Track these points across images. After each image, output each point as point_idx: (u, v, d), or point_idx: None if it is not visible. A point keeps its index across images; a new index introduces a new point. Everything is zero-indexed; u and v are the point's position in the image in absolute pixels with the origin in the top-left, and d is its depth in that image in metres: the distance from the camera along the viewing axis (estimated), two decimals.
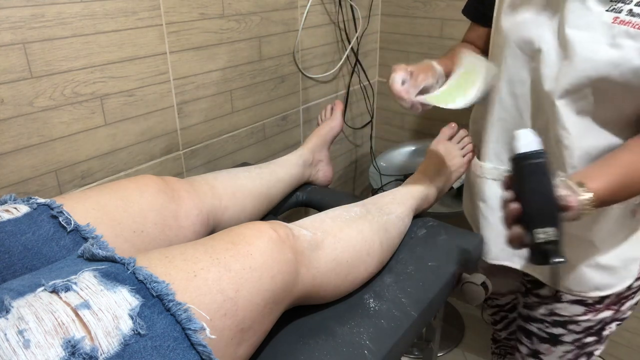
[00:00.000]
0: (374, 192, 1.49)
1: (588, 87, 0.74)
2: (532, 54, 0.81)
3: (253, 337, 0.56)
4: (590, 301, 0.91)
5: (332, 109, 1.22)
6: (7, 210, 0.61)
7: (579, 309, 0.92)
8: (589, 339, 0.95)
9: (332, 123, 1.17)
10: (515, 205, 0.62)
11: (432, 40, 1.58)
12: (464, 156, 1.03)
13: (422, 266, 0.83)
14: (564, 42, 0.75)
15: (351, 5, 1.49)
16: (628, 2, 0.69)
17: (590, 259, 0.87)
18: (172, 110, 1.05)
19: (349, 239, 0.74)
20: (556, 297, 0.94)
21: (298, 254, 0.64)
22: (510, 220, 0.64)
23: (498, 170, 0.94)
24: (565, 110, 0.77)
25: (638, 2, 0.68)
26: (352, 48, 1.55)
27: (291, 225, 0.70)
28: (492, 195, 0.95)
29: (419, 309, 0.74)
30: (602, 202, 0.65)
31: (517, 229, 0.62)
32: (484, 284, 0.84)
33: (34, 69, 0.80)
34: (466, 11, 1.04)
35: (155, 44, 0.97)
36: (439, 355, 1.68)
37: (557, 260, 0.60)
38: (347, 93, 1.62)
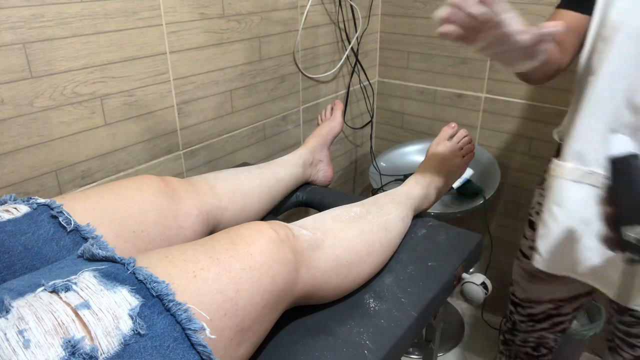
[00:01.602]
0: (374, 192, 1.49)
1: None
2: None
3: (253, 337, 0.56)
4: None
5: (332, 109, 1.22)
6: (7, 210, 0.61)
7: None
8: None
9: (332, 123, 1.17)
10: (611, 209, 0.64)
11: (432, 40, 1.58)
12: (463, 156, 1.03)
13: (422, 266, 0.83)
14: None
15: (351, 5, 1.49)
16: None
17: None
18: (172, 110, 1.05)
19: (349, 239, 0.74)
20: None
21: (298, 254, 0.64)
22: (604, 219, 0.65)
23: (579, 171, 0.85)
24: None
25: None
26: (352, 48, 1.55)
27: (291, 225, 0.70)
28: (570, 198, 0.87)
29: (419, 309, 0.74)
30: None
31: (611, 230, 0.64)
32: (484, 284, 0.84)
33: (34, 69, 0.80)
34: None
35: (155, 44, 0.97)
36: (439, 355, 1.68)
37: None
38: (347, 93, 1.62)
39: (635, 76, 0.77)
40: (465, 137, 1.04)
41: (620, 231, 0.63)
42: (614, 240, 0.65)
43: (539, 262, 0.93)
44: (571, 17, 0.87)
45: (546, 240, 0.90)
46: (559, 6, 0.91)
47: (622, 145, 0.65)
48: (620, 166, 0.65)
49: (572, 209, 0.87)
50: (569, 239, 0.87)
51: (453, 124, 1.05)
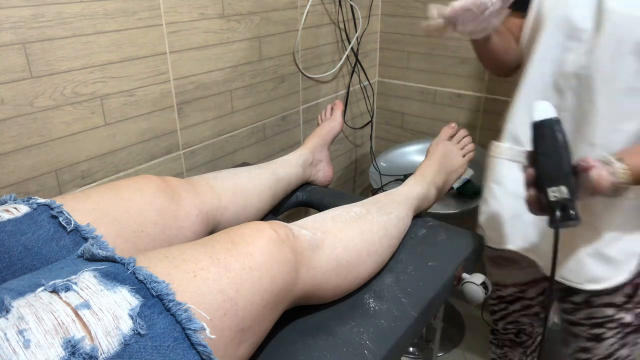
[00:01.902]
0: (374, 192, 1.49)
1: (622, 61, 0.76)
2: (570, 32, 0.82)
3: (253, 337, 0.56)
4: (618, 302, 0.92)
5: (332, 109, 1.22)
6: (7, 210, 0.61)
7: (611, 310, 0.93)
8: (629, 329, 0.96)
9: (332, 123, 1.17)
10: (531, 169, 0.68)
11: (432, 40, 1.58)
12: (464, 156, 1.03)
13: (422, 266, 0.83)
14: (602, 16, 0.77)
15: (351, 5, 1.49)
16: None
17: (593, 247, 0.87)
18: (172, 110, 1.05)
19: (349, 239, 0.74)
20: (588, 302, 0.95)
21: (298, 254, 0.64)
22: (527, 182, 0.69)
23: (513, 151, 0.93)
24: (598, 87, 0.79)
25: None
26: (352, 48, 1.55)
27: (291, 225, 0.70)
28: (507, 176, 0.94)
29: (419, 309, 0.74)
30: (637, 178, 0.67)
31: (533, 191, 0.67)
32: (484, 284, 0.84)
33: (34, 69, 0.80)
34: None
35: (155, 44, 0.97)
36: (439, 355, 1.68)
37: (571, 221, 0.64)
38: (347, 93, 1.62)
39: (560, 60, 0.84)
40: (465, 137, 1.05)
41: (545, 191, 0.65)
42: (537, 202, 0.67)
43: (485, 238, 0.98)
44: (519, 19, 0.95)
45: (487, 216, 0.97)
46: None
47: (545, 111, 0.69)
48: (541, 130, 0.67)
49: (509, 186, 0.93)
50: (508, 215, 0.93)
51: (453, 124, 1.05)
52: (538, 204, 0.68)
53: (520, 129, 0.92)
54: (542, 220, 0.71)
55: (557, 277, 0.92)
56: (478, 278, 0.84)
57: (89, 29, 0.85)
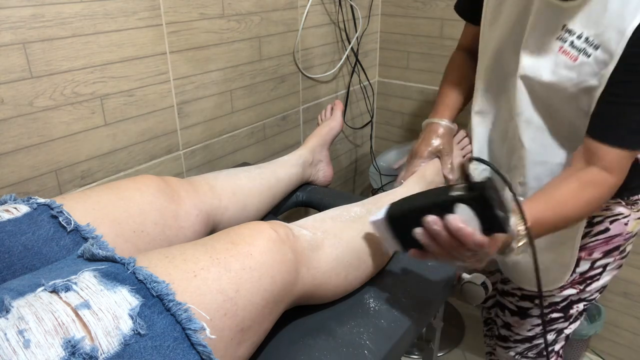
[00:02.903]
0: (374, 192, 1.49)
1: (535, 108, 0.82)
2: (501, 68, 0.88)
3: (253, 336, 0.56)
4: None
5: (332, 109, 1.22)
6: (7, 210, 0.61)
7: None
8: (555, 315, 0.98)
9: (332, 123, 1.17)
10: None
11: (432, 40, 1.58)
12: (463, 157, 1.03)
13: (422, 266, 0.83)
14: (520, 64, 0.81)
15: (351, 5, 1.49)
16: (572, 34, 0.73)
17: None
18: (172, 110, 1.05)
19: (349, 239, 0.74)
20: None
21: (298, 254, 0.64)
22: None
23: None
24: (522, 125, 0.84)
25: (580, 35, 0.72)
26: (352, 48, 1.55)
27: (291, 225, 0.70)
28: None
29: (419, 309, 0.74)
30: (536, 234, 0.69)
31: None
32: (484, 284, 0.84)
33: (34, 69, 0.80)
34: (457, 8, 1.05)
35: (155, 44, 0.97)
36: (439, 355, 1.68)
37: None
38: (347, 93, 1.62)
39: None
40: (464, 137, 1.05)
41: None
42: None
43: None
44: (474, 29, 0.99)
45: None
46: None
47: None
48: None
49: None
50: None
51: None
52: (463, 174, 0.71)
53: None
54: None
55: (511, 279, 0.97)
56: (478, 278, 0.84)
57: (89, 29, 0.85)
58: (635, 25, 0.65)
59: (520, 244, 0.65)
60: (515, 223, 0.64)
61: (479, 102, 0.96)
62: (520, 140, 0.85)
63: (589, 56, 0.71)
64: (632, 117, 0.70)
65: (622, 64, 0.67)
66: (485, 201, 0.58)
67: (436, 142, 0.96)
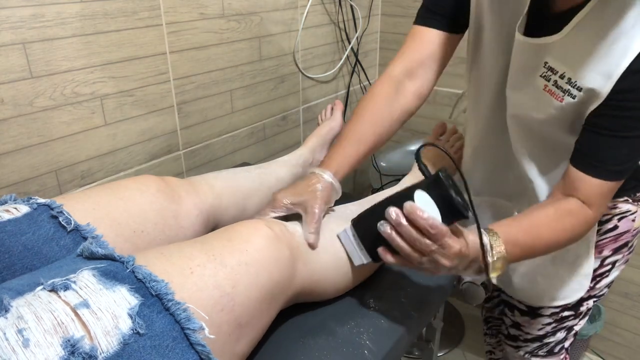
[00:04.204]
0: (374, 192, 1.49)
1: (534, 145, 0.82)
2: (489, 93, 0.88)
3: (251, 333, 0.56)
4: None
5: (332, 109, 1.22)
6: (7, 210, 0.61)
7: None
8: (566, 313, 0.98)
9: (332, 123, 1.17)
10: None
11: None
12: (455, 152, 1.05)
13: None
14: (508, 103, 0.81)
15: (351, 5, 1.49)
16: (555, 72, 0.71)
17: (544, 269, 0.91)
18: (172, 110, 1.05)
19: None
20: None
21: (294, 249, 0.64)
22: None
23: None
24: (524, 161, 0.85)
25: (562, 75, 0.70)
26: (352, 48, 1.55)
27: (286, 222, 0.71)
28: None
29: (419, 309, 0.74)
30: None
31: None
32: (484, 284, 0.84)
33: (34, 69, 0.80)
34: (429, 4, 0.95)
35: (155, 44, 0.97)
36: (439, 355, 1.68)
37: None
38: (347, 93, 1.62)
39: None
40: (454, 134, 1.06)
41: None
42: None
43: None
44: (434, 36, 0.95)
45: None
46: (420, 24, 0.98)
47: None
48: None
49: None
50: None
51: (441, 123, 1.09)
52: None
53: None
54: None
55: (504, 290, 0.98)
56: (478, 278, 0.84)
57: (89, 29, 0.85)
58: (624, 67, 0.64)
59: (495, 258, 0.65)
60: (486, 236, 0.65)
61: (478, 137, 0.95)
62: (528, 176, 0.85)
63: (574, 97, 0.70)
64: (616, 150, 0.69)
65: (608, 101, 0.67)
66: (441, 185, 0.60)
67: (305, 196, 0.74)
